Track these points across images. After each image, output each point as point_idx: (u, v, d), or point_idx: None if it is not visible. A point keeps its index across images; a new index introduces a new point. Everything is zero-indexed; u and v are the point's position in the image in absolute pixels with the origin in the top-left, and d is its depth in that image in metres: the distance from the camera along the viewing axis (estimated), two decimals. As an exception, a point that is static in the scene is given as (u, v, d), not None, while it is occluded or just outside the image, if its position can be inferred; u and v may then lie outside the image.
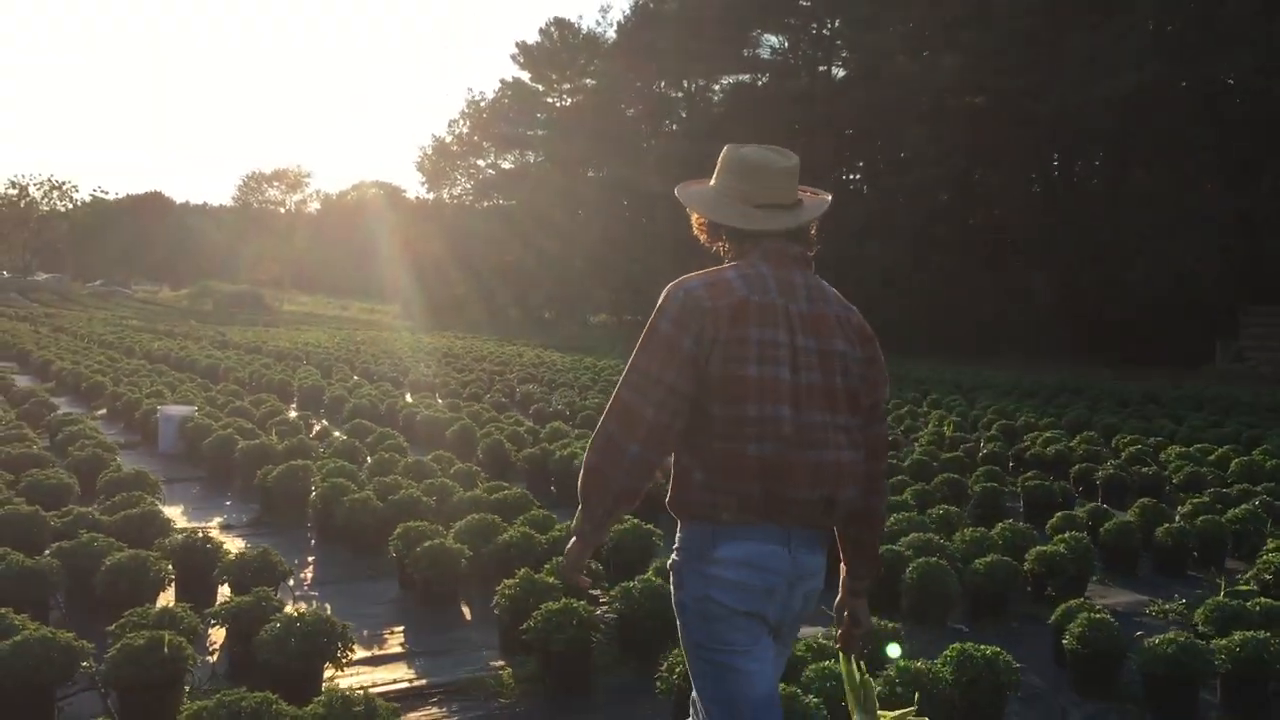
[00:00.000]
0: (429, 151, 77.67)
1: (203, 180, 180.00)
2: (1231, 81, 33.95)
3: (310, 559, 7.13)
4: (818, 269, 2.71)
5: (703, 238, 2.72)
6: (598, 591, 5.38)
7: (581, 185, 63.79)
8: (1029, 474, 9.48)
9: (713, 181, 2.71)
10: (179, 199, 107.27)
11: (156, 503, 7.31)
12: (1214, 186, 34.66)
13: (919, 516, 7.24)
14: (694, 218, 2.71)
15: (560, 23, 68.29)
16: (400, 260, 73.74)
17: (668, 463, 2.57)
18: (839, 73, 49.56)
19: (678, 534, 2.58)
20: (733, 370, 2.42)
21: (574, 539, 2.58)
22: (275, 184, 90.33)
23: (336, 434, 10.86)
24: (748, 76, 51.50)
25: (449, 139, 77.15)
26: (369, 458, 9.46)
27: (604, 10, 71.31)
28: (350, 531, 7.16)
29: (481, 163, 75.99)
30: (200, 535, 6.12)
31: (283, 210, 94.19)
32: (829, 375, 2.50)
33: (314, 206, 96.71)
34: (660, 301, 2.50)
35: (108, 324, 37.16)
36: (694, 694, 2.61)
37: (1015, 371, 29.86)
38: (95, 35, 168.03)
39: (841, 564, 2.80)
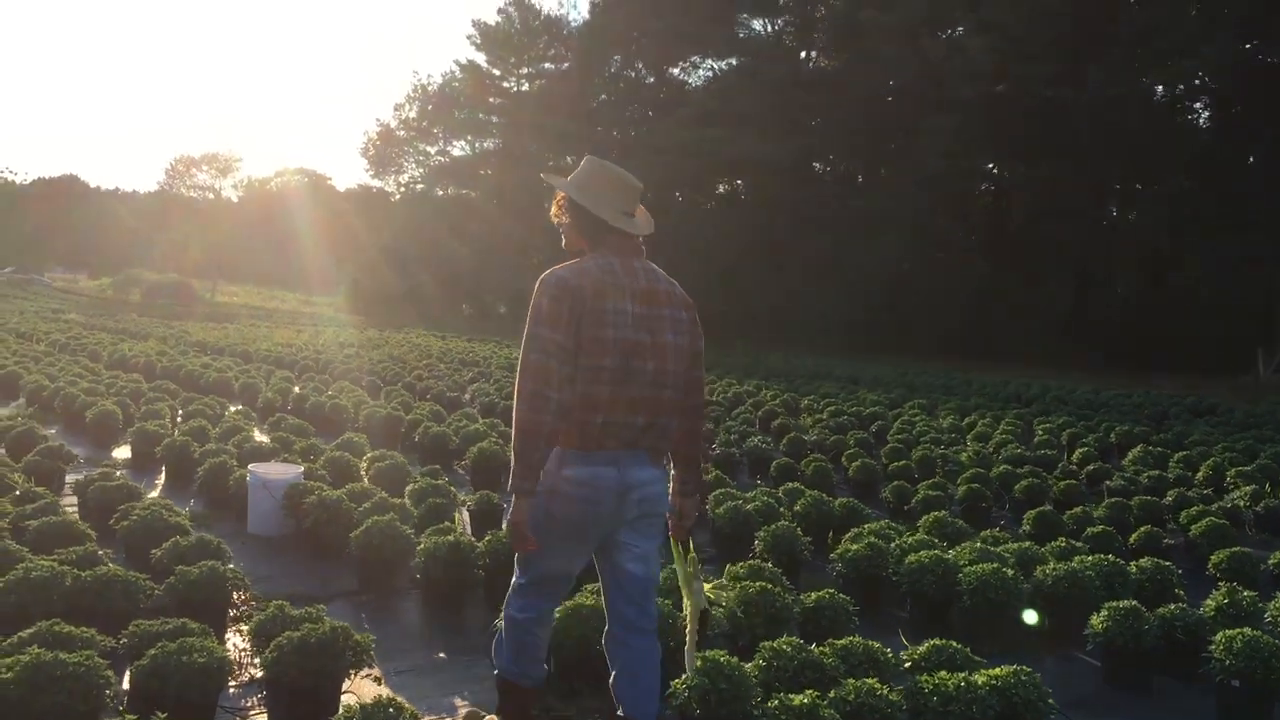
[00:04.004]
0: (374, 137, 73.18)
1: (120, 165, 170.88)
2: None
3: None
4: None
5: (558, 214, 3.51)
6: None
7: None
8: None
9: (580, 181, 3.45)
10: (94, 183, 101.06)
11: None
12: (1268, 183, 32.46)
13: None
14: (558, 201, 3.50)
15: (520, 3, 64.50)
16: (343, 251, 69.37)
17: None
18: (832, 59, 46.85)
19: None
20: (595, 333, 3.25)
21: (514, 499, 3.29)
22: (204, 168, 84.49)
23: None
24: (737, 60, 48.40)
25: (395, 124, 72.79)
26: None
27: (567, -9, 67.61)
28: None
29: (431, 149, 71.74)
30: None
31: (212, 195, 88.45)
32: (659, 334, 3.37)
33: (234, 194, 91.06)
34: (538, 286, 3.29)
35: (41, 316, 32.69)
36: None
37: (1031, 379, 27.21)
38: (9, 11, 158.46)
39: (672, 471, 3.64)
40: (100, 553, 5.67)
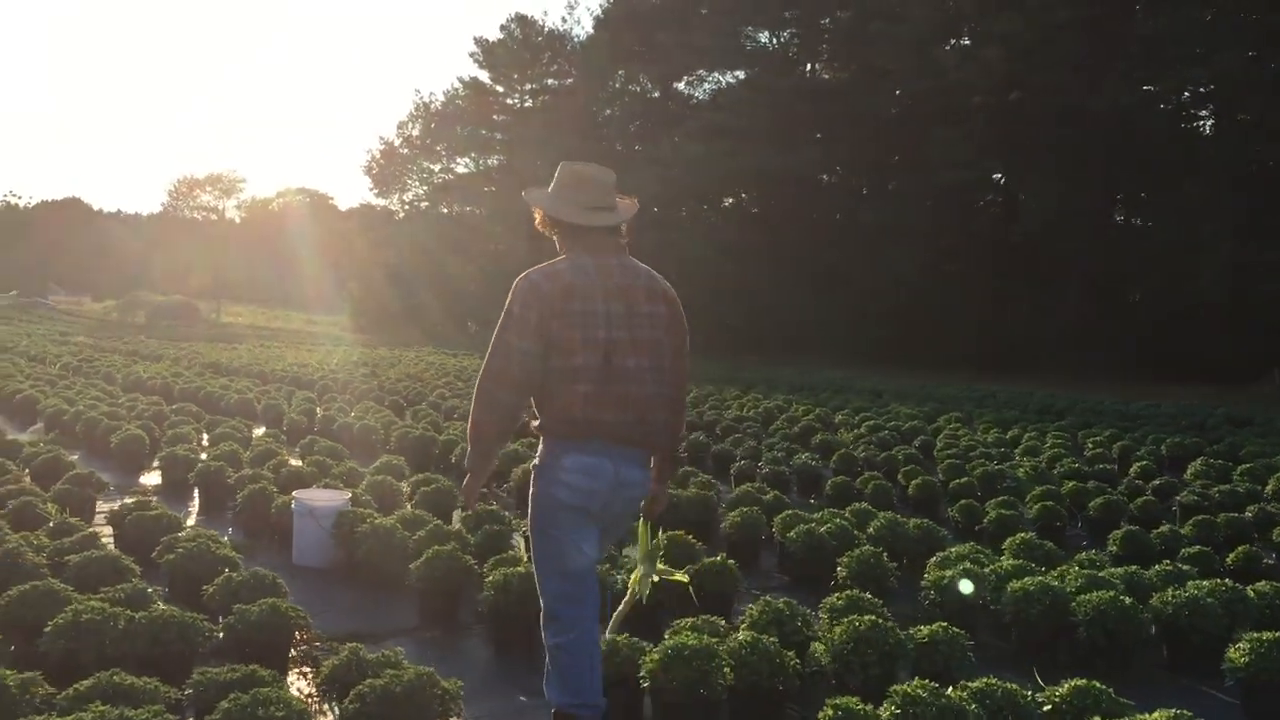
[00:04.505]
0: (377, 155, 72.86)
1: (123, 187, 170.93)
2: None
3: None
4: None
5: (544, 230, 3.64)
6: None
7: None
8: None
9: (551, 189, 3.64)
10: (97, 206, 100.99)
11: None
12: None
13: None
14: (537, 215, 3.63)
15: (522, 20, 64.39)
16: (347, 270, 69.05)
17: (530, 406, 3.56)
18: (839, 71, 46.58)
19: (539, 448, 3.56)
20: (565, 334, 3.38)
21: (468, 474, 3.64)
22: (208, 189, 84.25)
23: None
24: (743, 73, 48.14)
25: (398, 142, 72.47)
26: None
27: (570, 6, 67.10)
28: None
29: (435, 167, 71.39)
30: None
31: (215, 217, 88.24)
32: (636, 330, 3.47)
33: (236, 214, 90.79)
34: (512, 289, 3.45)
35: (50, 339, 32.33)
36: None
37: (1053, 391, 26.78)
38: (13, 35, 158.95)
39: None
40: (150, 590, 5.29)
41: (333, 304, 69.91)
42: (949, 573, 5.81)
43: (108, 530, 7.30)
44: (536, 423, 3.56)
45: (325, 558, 6.89)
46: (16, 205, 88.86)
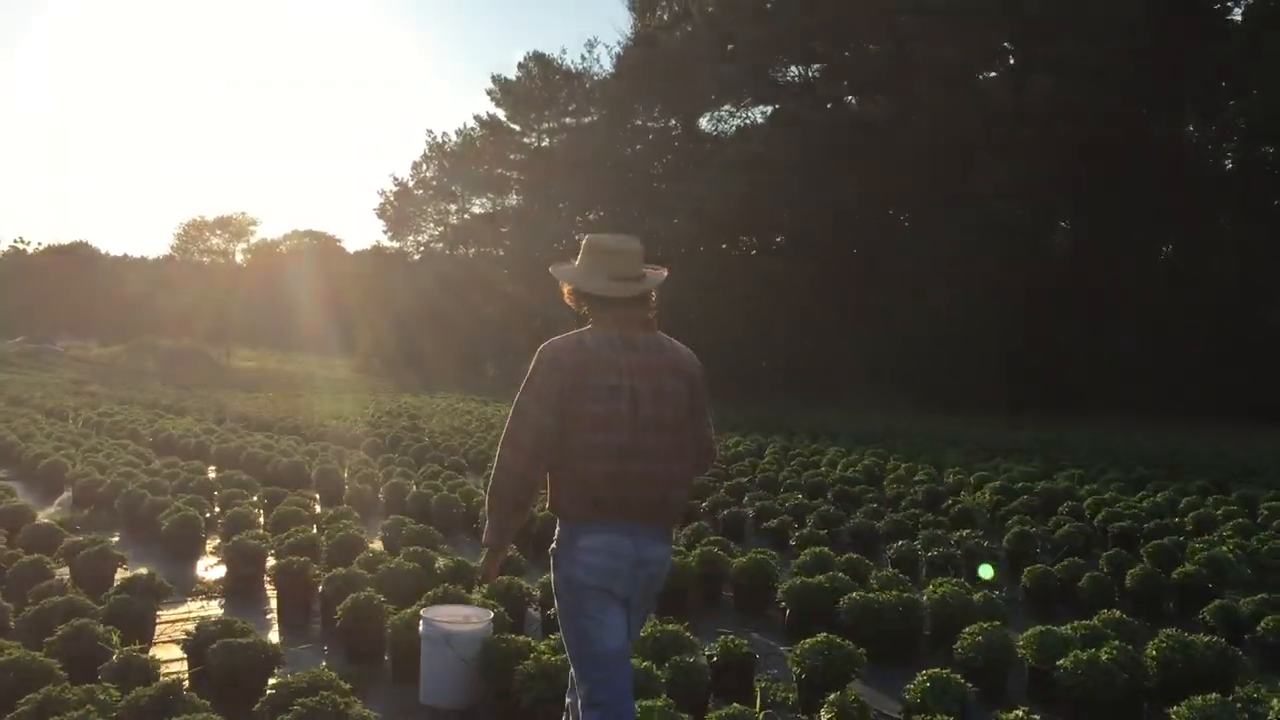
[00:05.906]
0: (390, 196, 71.77)
1: (130, 229, 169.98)
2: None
3: None
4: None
5: (570, 303, 3.55)
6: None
7: (573, 229, 58.68)
8: None
9: (577, 263, 3.52)
10: (104, 249, 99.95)
11: None
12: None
13: None
14: (565, 290, 3.53)
15: (540, 58, 63.58)
16: (357, 314, 67.75)
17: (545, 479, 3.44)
18: (877, 103, 45.37)
19: (556, 530, 3.44)
20: (582, 409, 3.27)
21: (486, 550, 3.56)
22: (218, 232, 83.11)
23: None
24: (773, 108, 46.97)
25: (412, 183, 71.43)
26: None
27: (590, 45, 66.44)
28: None
29: (451, 208, 70.30)
30: None
31: (223, 260, 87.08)
32: (660, 408, 3.35)
33: (242, 257, 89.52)
34: (535, 357, 3.38)
35: (65, 390, 30.83)
36: (570, 674, 3.54)
37: (1129, 434, 25.28)
38: (23, 81, 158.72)
39: None
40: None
41: (341, 347, 68.67)
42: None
43: (176, 653, 5.80)
44: (548, 502, 3.47)
45: (464, 695, 5.33)
46: (23, 250, 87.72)
